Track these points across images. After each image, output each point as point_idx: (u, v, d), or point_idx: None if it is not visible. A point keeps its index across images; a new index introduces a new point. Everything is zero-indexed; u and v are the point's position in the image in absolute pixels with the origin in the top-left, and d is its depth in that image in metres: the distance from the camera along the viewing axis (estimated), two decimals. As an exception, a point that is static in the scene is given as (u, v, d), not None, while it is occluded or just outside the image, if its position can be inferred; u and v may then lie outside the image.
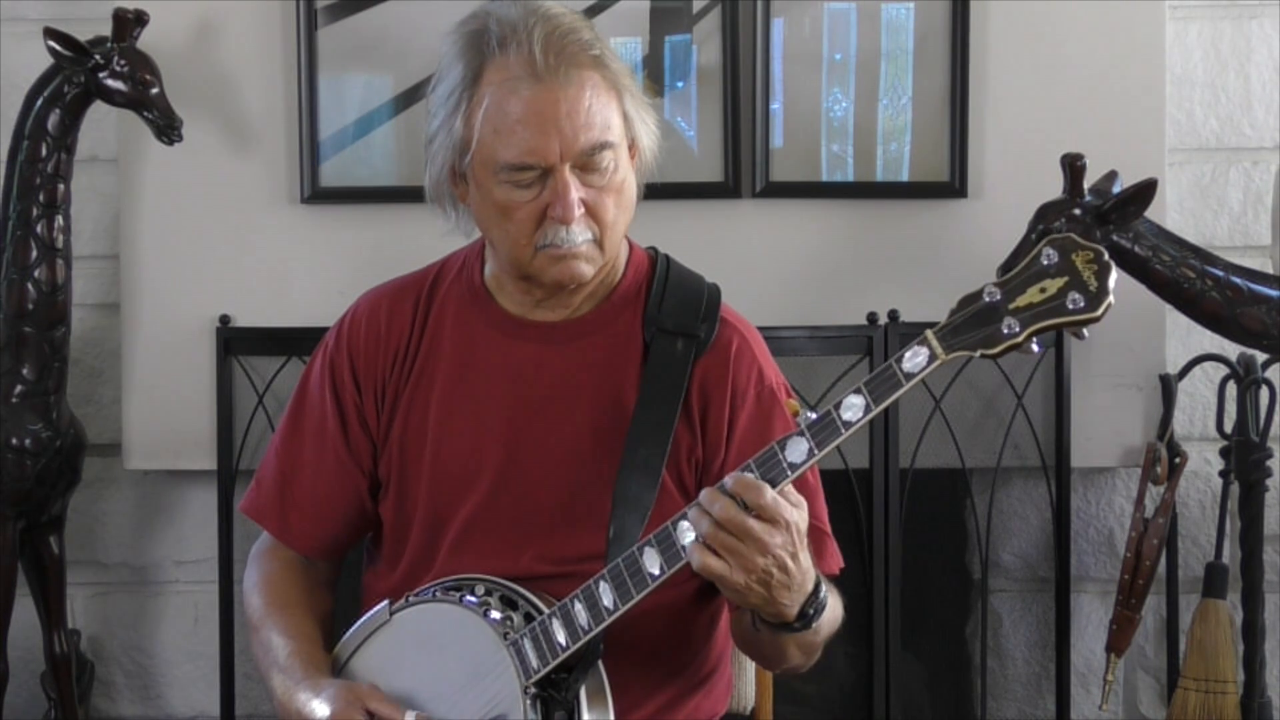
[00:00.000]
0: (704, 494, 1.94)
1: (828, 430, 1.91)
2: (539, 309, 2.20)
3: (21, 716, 3.44)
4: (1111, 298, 1.83)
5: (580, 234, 2.10)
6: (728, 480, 1.93)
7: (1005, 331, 1.85)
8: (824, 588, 2.02)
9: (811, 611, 2.00)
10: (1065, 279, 1.84)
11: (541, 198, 2.09)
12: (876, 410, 1.90)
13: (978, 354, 1.86)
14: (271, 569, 2.30)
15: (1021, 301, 1.85)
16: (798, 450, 1.93)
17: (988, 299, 1.86)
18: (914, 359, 1.88)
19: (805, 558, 1.96)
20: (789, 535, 1.92)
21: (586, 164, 2.09)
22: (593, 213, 2.10)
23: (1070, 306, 1.83)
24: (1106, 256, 1.83)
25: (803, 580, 1.96)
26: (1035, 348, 1.86)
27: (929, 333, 1.88)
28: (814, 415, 1.92)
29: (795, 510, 1.94)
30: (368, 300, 2.30)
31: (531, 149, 2.07)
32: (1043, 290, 1.85)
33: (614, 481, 2.10)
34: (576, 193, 2.08)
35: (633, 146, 2.15)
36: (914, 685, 3.45)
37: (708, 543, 1.93)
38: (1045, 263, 1.85)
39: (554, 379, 2.18)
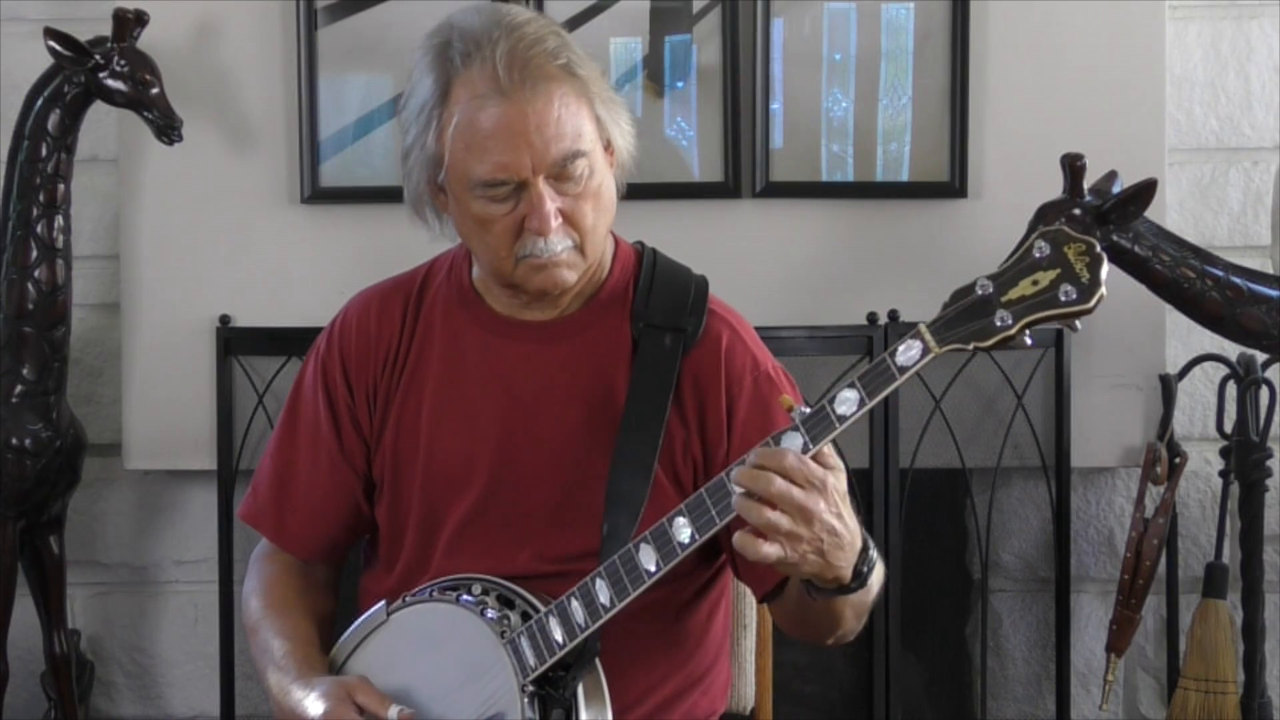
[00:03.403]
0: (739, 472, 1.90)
1: (822, 425, 1.90)
2: (527, 309, 2.20)
3: (21, 716, 3.44)
4: (1104, 289, 1.82)
5: (559, 243, 2.09)
6: (750, 455, 1.89)
7: (998, 324, 1.84)
8: (872, 545, 2.00)
9: (865, 569, 1.98)
10: (1057, 271, 1.83)
11: (518, 210, 2.08)
12: (870, 404, 1.88)
13: (970, 347, 1.85)
14: (270, 572, 2.29)
15: (1014, 294, 1.84)
16: (792, 445, 1.91)
17: (980, 292, 1.86)
18: (907, 352, 1.87)
19: (851, 517, 1.94)
20: (829, 497, 1.90)
21: (560, 174, 2.07)
22: (571, 220, 2.09)
23: (1062, 298, 1.83)
24: (1099, 248, 1.83)
25: (852, 539, 1.94)
26: (1028, 340, 1.86)
27: (922, 326, 1.87)
28: (808, 410, 1.91)
29: (829, 473, 1.91)
30: (357, 302, 2.30)
31: (503, 164, 2.06)
32: (1035, 283, 1.84)
33: (607, 478, 2.10)
34: (552, 203, 2.07)
35: (609, 148, 2.14)
36: (914, 685, 3.45)
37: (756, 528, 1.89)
38: (1037, 255, 1.85)
39: (544, 378, 2.17)
